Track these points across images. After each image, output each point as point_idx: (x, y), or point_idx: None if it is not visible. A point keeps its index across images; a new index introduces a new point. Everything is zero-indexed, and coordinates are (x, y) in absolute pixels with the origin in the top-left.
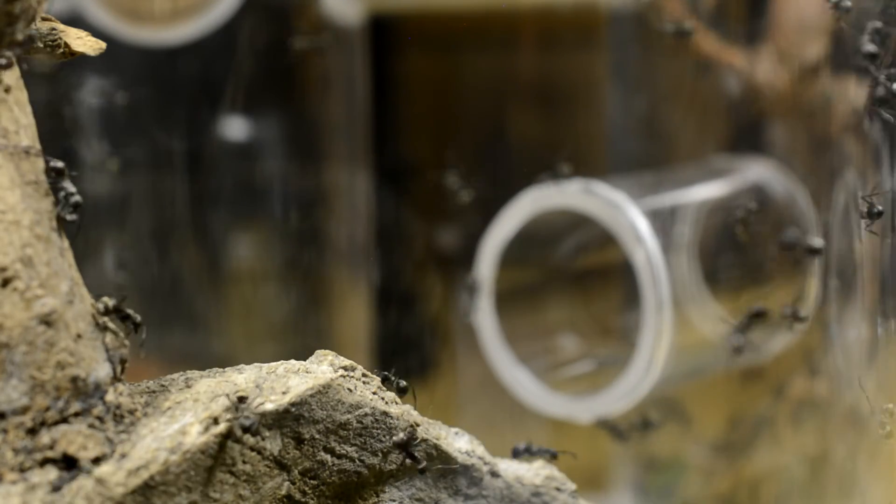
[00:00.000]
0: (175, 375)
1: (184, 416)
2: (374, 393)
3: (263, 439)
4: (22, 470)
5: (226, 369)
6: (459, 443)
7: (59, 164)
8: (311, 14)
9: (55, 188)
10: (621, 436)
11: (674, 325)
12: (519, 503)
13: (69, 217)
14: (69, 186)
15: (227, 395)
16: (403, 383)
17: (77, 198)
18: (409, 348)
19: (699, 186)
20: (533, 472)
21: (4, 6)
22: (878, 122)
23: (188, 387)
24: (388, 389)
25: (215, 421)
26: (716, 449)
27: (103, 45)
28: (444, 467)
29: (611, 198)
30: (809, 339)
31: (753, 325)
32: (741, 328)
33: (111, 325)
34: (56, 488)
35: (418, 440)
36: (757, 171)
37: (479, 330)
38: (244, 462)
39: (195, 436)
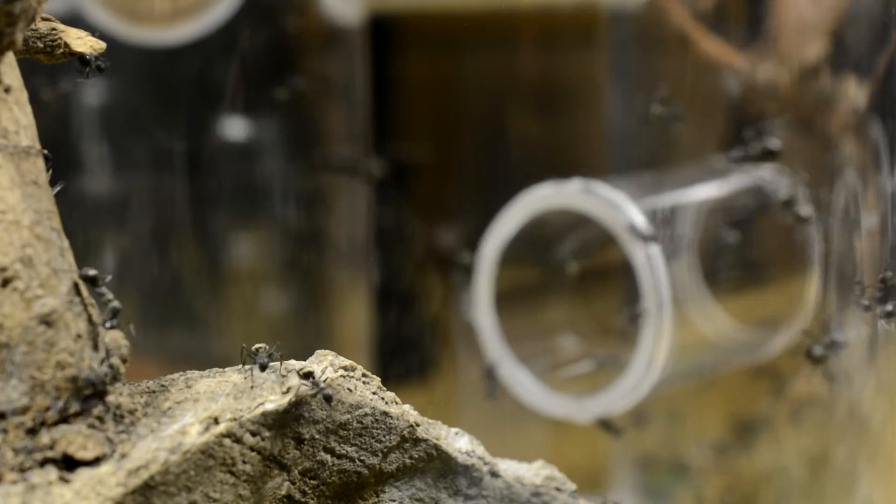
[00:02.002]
0: (175, 375)
1: (184, 416)
2: (374, 393)
3: (263, 439)
4: (22, 470)
5: (226, 369)
6: (459, 443)
7: (92, 273)
8: (311, 14)
9: (91, 296)
10: (616, 432)
11: (674, 325)
12: (519, 503)
13: (108, 324)
14: (106, 293)
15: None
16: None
17: (115, 304)
18: (409, 348)
19: (699, 186)
20: (533, 472)
21: (4, 6)
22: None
23: (188, 387)
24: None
25: (215, 421)
26: (716, 449)
27: (103, 45)
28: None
29: (611, 198)
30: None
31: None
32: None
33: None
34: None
35: None
36: (757, 171)
37: (479, 330)
38: (244, 462)
39: (195, 436)
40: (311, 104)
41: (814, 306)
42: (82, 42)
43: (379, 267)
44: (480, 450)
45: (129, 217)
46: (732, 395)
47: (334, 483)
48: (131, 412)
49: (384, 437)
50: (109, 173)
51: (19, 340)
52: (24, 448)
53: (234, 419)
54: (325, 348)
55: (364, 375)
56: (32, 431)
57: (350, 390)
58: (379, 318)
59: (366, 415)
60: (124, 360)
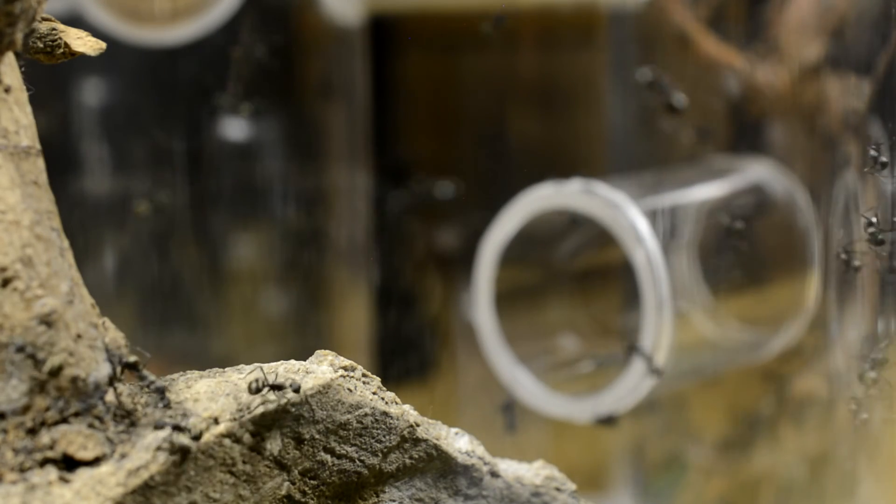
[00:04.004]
0: (175, 375)
1: (184, 416)
2: (374, 393)
3: (263, 439)
4: (22, 470)
5: (226, 369)
6: (459, 443)
7: (133, 359)
8: (311, 14)
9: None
10: (613, 422)
11: (674, 325)
12: (519, 503)
13: (161, 404)
14: (148, 376)
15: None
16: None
17: (159, 383)
18: (409, 348)
19: (699, 186)
20: (533, 472)
21: (4, 6)
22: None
23: (188, 387)
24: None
25: (215, 421)
26: (716, 449)
27: (103, 45)
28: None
29: (611, 198)
30: (810, 338)
31: None
32: None
33: (112, 324)
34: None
35: None
36: (757, 171)
37: (479, 330)
38: (244, 462)
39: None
40: (311, 104)
41: (814, 306)
42: (82, 42)
43: (379, 267)
44: (480, 450)
45: (129, 217)
46: (732, 395)
47: (334, 483)
48: (131, 412)
49: (384, 437)
50: (109, 173)
51: (19, 340)
52: (24, 448)
53: (234, 419)
54: (325, 348)
55: (364, 375)
56: (32, 431)
57: (350, 390)
58: (379, 318)
59: (366, 415)
60: (124, 361)
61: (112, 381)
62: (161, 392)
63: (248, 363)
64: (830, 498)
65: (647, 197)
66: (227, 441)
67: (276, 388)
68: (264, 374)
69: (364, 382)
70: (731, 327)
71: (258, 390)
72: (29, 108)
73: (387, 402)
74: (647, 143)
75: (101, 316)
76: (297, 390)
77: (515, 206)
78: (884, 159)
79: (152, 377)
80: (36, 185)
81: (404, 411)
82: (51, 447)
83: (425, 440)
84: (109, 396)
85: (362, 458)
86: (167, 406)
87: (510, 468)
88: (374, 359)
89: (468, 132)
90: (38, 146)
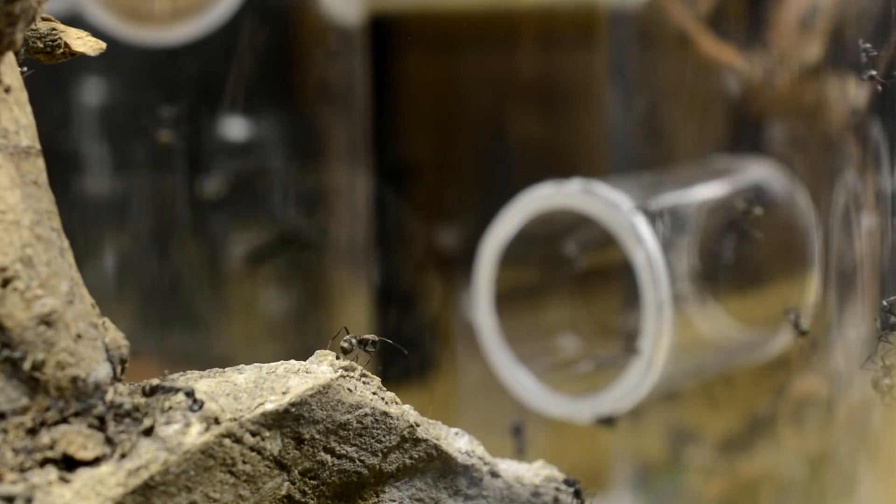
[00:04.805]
0: (175, 375)
1: (184, 416)
2: (374, 393)
3: (263, 439)
4: (22, 470)
5: (226, 369)
6: (459, 443)
7: (155, 383)
8: (311, 14)
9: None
10: (611, 423)
11: (674, 325)
12: (519, 503)
13: (195, 407)
14: (172, 383)
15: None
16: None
17: (189, 387)
18: (409, 348)
19: (699, 186)
20: (533, 472)
21: (4, 6)
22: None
23: None
24: None
25: (215, 421)
26: (716, 449)
27: (103, 45)
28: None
29: (611, 198)
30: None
31: None
32: None
33: (111, 324)
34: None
35: None
36: (757, 171)
37: (479, 330)
38: (244, 462)
39: (195, 436)
40: (312, 104)
41: (814, 306)
42: (82, 42)
43: (379, 267)
44: (480, 450)
45: (129, 217)
46: (733, 394)
47: (334, 483)
48: (131, 412)
49: (384, 437)
50: (109, 173)
51: (19, 340)
52: (24, 448)
53: (234, 419)
54: (325, 348)
55: (364, 375)
56: (32, 431)
57: (350, 390)
58: (379, 318)
59: (366, 415)
60: (124, 361)
61: (112, 380)
62: (190, 394)
63: (248, 363)
64: (830, 498)
65: (647, 197)
66: (227, 441)
67: (363, 343)
68: (349, 332)
69: (364, 382)
70: (731, 327)
71: (351, 349)
72: (29, 108)
73: (387, 402)
74: (647, 143)
75: (101, 316)
76: (375, 343)
77: (515, 206)
78: (872, 72)
79: (178, 385)
80: (36, 185)
81: (404, 411)
82: (51, 447)
83: (425, 440)
84: (109, 396)
85: (362, 458)
86: (201, 406)
87: (510, 468)
88: (374, 359)
89: (468, 132)
90: (38, 146)
